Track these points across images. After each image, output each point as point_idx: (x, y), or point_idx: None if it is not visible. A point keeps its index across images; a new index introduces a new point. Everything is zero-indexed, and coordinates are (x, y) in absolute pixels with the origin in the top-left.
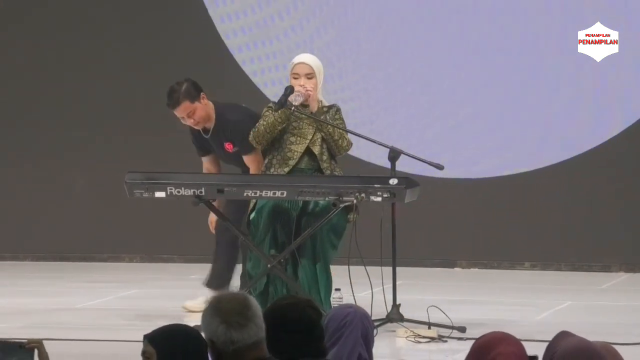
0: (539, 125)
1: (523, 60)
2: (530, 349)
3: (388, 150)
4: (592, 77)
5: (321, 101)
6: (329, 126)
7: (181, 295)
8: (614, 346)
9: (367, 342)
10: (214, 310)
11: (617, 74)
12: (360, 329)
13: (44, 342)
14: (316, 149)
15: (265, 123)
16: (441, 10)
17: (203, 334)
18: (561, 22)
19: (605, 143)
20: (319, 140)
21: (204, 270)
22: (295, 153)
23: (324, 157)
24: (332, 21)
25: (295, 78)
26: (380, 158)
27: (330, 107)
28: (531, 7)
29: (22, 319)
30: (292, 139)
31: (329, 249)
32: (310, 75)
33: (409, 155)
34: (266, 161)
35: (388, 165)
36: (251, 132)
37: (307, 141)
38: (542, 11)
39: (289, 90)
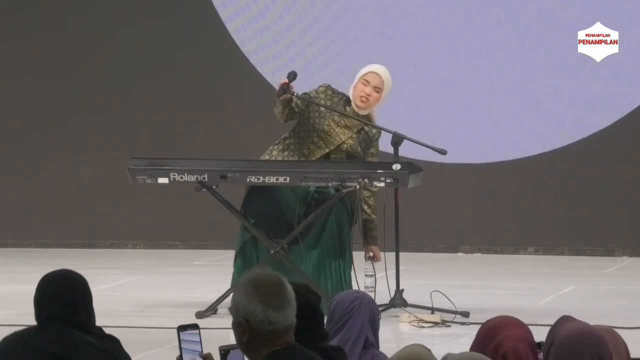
0: (541, 115)
1: (522, 60)
2: (534, 334)
3: (391, 135)
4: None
5: (373, 117)
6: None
7: (184, 281)
8: (617, 330)
9: (374, 327)
10: (253, 289)
11: (617, 74)
12: (367, 313)
13: None
14: (336, 158)
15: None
16: (442, 8)
17: (234, 314)
18: (561, 22)
19: (608, 128)
20: (343, 150)
21: (207, 256)
22: (312, 155)
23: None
24: (338, 7)
25: (364, 84)
26: (382, 143)
27: (369, 129)
28: (531, 7)
29: (26, 306)
30: (316, 139)
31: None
32: (378, 89)
33: (411, 141)
34: (284, 140)
35: (391, 150)
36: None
37: (328, 149)
38: (542, 11)
39: (292, 76)
